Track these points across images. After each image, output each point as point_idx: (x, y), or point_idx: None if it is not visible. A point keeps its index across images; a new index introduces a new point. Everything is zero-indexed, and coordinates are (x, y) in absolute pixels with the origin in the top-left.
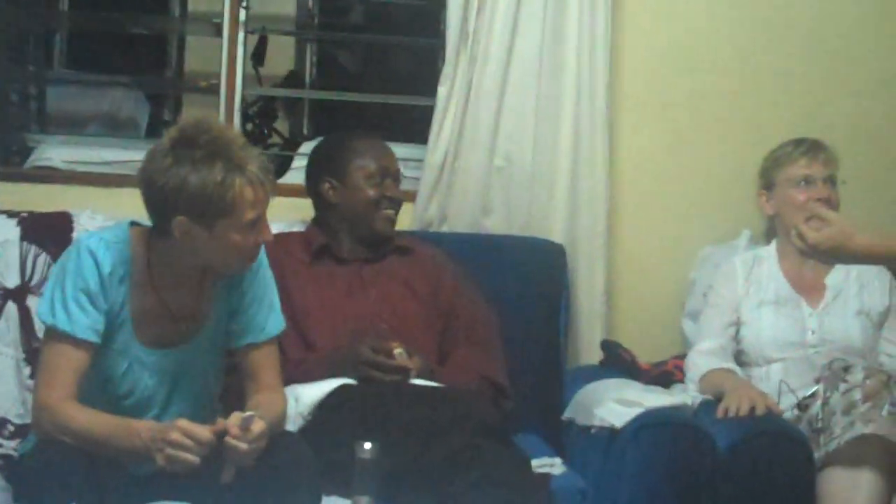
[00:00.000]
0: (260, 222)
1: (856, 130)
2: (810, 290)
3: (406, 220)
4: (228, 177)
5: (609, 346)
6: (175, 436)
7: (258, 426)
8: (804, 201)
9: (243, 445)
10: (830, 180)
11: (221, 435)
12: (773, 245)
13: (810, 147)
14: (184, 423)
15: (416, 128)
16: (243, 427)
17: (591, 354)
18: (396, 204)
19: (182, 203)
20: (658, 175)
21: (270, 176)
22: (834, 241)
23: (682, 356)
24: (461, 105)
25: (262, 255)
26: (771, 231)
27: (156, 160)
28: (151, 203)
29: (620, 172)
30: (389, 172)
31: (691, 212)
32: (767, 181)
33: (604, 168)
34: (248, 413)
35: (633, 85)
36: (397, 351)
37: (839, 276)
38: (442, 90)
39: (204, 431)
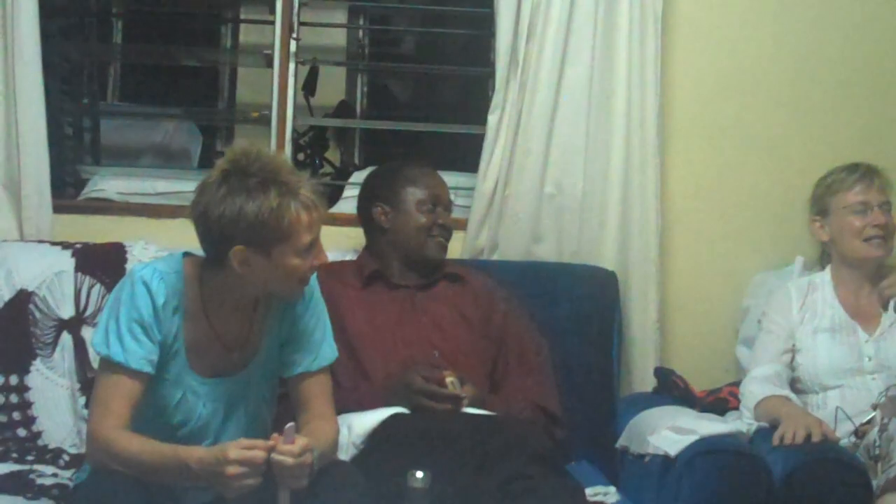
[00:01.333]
0: (315, 245)
1: None
2: (866, 316)
3: (457, 248)
4: (283, 202)
5: (662, 374)
6: (233, 454)
7: (302, 441)
8: (861, 228)
9: (289, 459)
10: (886, 206)
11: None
12: (828, 271)
13: (865, 173)
14: (234, 451)
15: (467, 156)
16: (287, 440)
17: (644, 382)
18: (447, 231)
19: (240, 232)
20: (710, 201)
21: (322, 199)
22: None
23: (737, 383)
24: (511, 133)
25: (314, 284)
26: (825, 257)
27: (209, 192)
28: (208, 235)
29: (672, 199)
30: (441, 201)
31: (744, 238)
32: (821, 208)
33: (655, 194)
34: (288, 424)
35: (684, 111)
36: (449, 379)
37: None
38: (492, 118)
39: (257, 452)
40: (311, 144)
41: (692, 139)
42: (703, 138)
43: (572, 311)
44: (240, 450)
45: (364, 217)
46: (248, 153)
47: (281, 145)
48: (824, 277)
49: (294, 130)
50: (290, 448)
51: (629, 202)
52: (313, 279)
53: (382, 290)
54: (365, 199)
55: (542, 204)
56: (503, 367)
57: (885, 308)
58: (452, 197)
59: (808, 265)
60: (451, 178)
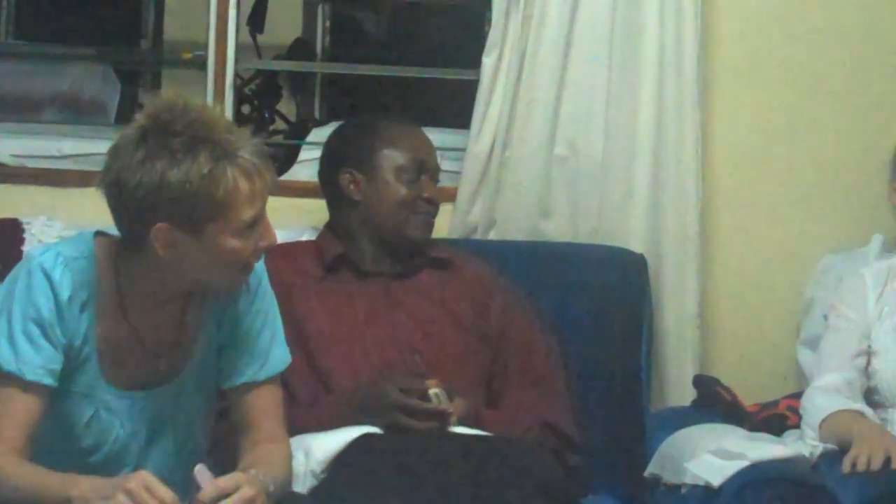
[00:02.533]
0: (260, 222)
1: None
2: None
3: (444, 225)
4: (217, 167)
5: (704, 383)
6: (133, 485)
7: (221, 483)
8: None
9: None
10: None
11: None
12: None
13: None
14: (147, 475)
15: (456, 109)
16: (199, 483)
17: (680, 393)
18: (434, 206)
19: (162, 206)
20: (764, 165)
21: (268, 162)
22: None
23: (798, 394)
24: (512, 79)
25: (261, 272)
26: None
27: (124, 155)
28: (122, 210)
29: (716, 162)
30: (427, 166)
31: (807, 212)
32: None
33: (694, 158)
34: (197, 466)
35: (731, 55)
36: (433, 391)
37: None
38: (488, 61)
39: (168, 493)
40: (258, 94)
41: (741, 86)
42: (754, 85)
43: (590, 305)
44: (139, 486)
45: (327, 186)
46: (172, 106)
47: (220, 95)
48: None
49: (237, 76)
50: (202, 497)
51: (662, 167)
52: (260, 266)
53: (349, 280)
54: (328, 164)
55: (551, 169)
56: (502, 376)
57: None
58: (440, 161)
59: (889, 245)
60: (436, 137)
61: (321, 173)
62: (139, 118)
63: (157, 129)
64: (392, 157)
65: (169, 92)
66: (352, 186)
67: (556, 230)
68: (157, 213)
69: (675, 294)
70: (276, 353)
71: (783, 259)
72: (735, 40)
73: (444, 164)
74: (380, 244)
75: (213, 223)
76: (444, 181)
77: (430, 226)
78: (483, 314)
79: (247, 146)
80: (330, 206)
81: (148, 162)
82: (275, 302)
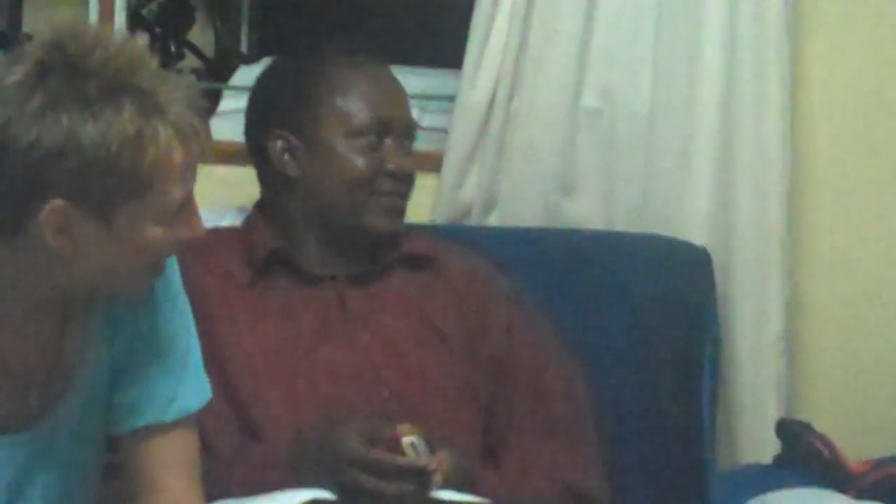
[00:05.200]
0: (189, 204)
1: None
2: None
3: (424, 206)
4: (147, 126)
5: (791, 431)
6: None
7: None
8: None
9: None
10: None
11: None
12: None
13: None
14: None
15: (443, 41)
16: None
17: (759, 445)
18: (406, 182)
19: (62, 177)
20: (872, 135)
21: (204, 120)
22: None
23: None
24: (524, 0)
25: (172, 272)
26: None
27: (12, 102)
28: (4, 179)
29: (811, 128)
30: (392, 127)
31: None
32: None
33: (781, 117)
34: None
35: None
36: (408, 440)
37: None
38: None
39: None
40: (162, 19)
41: (848, 30)
42: (865, 28)
43: (631, 319)
44: None
45: (254, 155)
46: (79, 34)
47: (107, 17)
48: None
49: None
50: None
51: (735, 127)
52: (170, 265)
53: (288, 285)
54: (256, 122)
55: (577, 127)
56: (506, 419)
57: None
58: (417, 115)
59: None
60: (412, 81)
61: (247, 136)
62: (33, 49)
63: (61, 65)
64: (342, 113)
65: (50, 15)
66: (286, 156)
67: (583, 213)
68: (52, 185)
69: (751, 306)
70: (189, 387)
71: None
72: None
73: (425, 120)
74: (329, 237)
75: (129, 203)
76: (425, 144)
77: (401, 211)
78: (479, 331)
79: (180, 97)
80: (261, 181)
81: (50, 112)
82: (190, 316)
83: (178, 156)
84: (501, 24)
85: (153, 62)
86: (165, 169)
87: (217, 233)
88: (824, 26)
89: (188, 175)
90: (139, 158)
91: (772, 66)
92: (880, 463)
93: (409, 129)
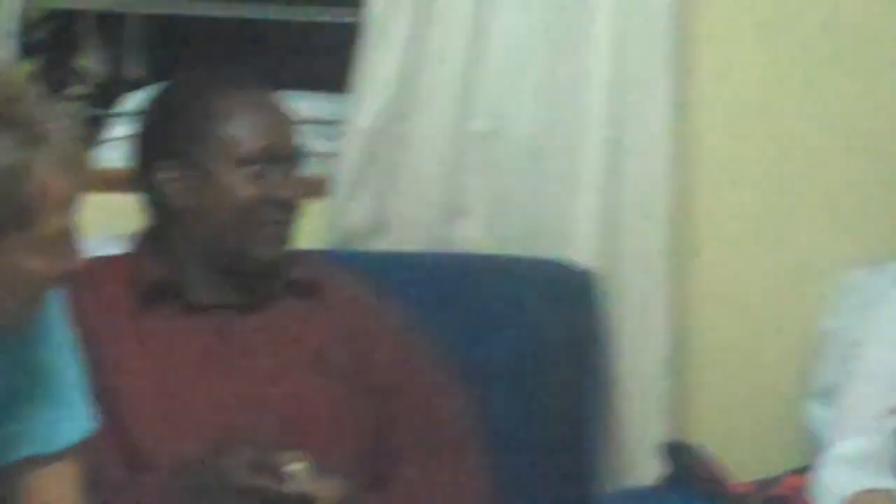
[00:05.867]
0: (69, 235)
1: None
2: None
3: (312, 230)
4: (24, 157)
5: (677, 453)
6: None
7: None
8: None
9: None
10: None
11: None
12: None
13: None
14: None
15: (332, 65)
16: None
17: (645, 466)
18: (293, 210)
19: None
20: (764, 150)
21: (84, 148)
22: None
23: (807, 468)
24: (411, 24)
25: (56, 304)
26: None
27: None
28: None
29: (696, 149)
30: (281, 153)
31: (823, 215)
32: None
33: (666, 140)
34: None
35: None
36: (294, 467)
37: None
38: None
39: None
40: (50, 45)
41: (734, 45)
42: (755, 44)
43: (518, 343)
44: None
45: (141, 183)
46: None
47: None
48: None
49: (19, 20)
50: None
51: (621, 149)
52: (53, 295)
53: (174, 315)
54: (142, 150)
55: (465, 150)
56: (394, 444)
57: None
58: (305, 140)
59: None
60: (302, 106)
61: (132, 164)
62: None
63: None
64: (228, 142)
65: None
66: (172, 186)
67: (472, 237)
68: None
69: (637, 328)
70: (73, 418)
71: (789, 279)
72: None
73: (315, 144)
74: (215, 266)
75: (8, 235)
76: (314, 169)
77: (287, 239)
78: (366, 358)
79: (61, 127)
80: (147, 209)
81: None
82: (74, 346)
83: (58, 187)
84: (390, 46)
85: (35, 91)
86: (45, 200)
87: (104, 262)
88: (711, 48)
89: (68, 206)
90: (18, 190)
91: (658, 89)
92: (763, 484)
93: (296, 156)
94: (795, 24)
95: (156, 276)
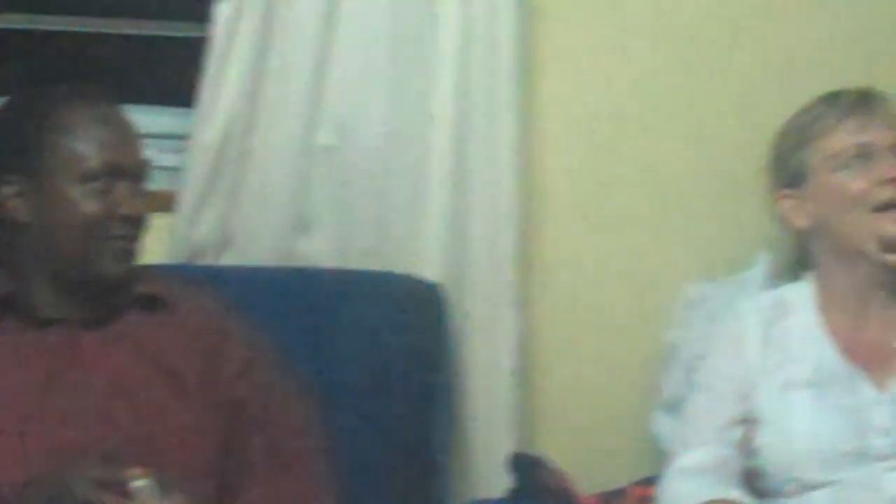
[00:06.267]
0: None
1: None
2: (876, 358)
3: (159, 245)
4: None
5: (524, 465)
6: None
7: None
8: (866, 189)
9: None
10: None
11: None
12: (809, 280)
13: (857, 101)
14: None
15: (177, 80)
16: None
17: (493, 478)
18: (138, 225)
19: None
20: (608, 165)
21: None
22: None
23: (654, 479)
24: (257, 39)
25: None
26: (803, 259)
27: None
28: None
29: (541, 161)
30: (125, 169)
31: (668, 227)
32: (791, 173)
33: (511, 151)
34: None
35: (564, 14)
36: (138, 483)
37: None
38: (222, 12)
39: None
40: None
41: (581, 50)
42: (598, 49)
43: (365, 356)
44: None
45: None
46: None
47: None
48: (802, 293)
49: None
50: None
51: (467, 163)
52: None
53: (18, 330)
54: None
55: (311, 164)
56: (241, 459)
57: None
58: (151, 155)
59: (777, 272)
60: (147, 120)
61: None
62: None
63: None
64: (72, 157)
65: None
66: (15, 201)
67: (319, 250)
68: None
69: (485, 341)
70: None
71: (635, 292)
72: None
73: (160, 159)
74: (61, 281)
75: None
76: (160, 183)
77: (132, 254)
78: (213, 372)
79: None
80: None
81: None
82: None
83: None
84: (235, 61)
85: None
86: None
87: None
88: (556, 62)
89: None
90: None
91: (504, 102)
92: (609, 495)
93: (141, 171)
94: (641, 36)
95: (1, 291)
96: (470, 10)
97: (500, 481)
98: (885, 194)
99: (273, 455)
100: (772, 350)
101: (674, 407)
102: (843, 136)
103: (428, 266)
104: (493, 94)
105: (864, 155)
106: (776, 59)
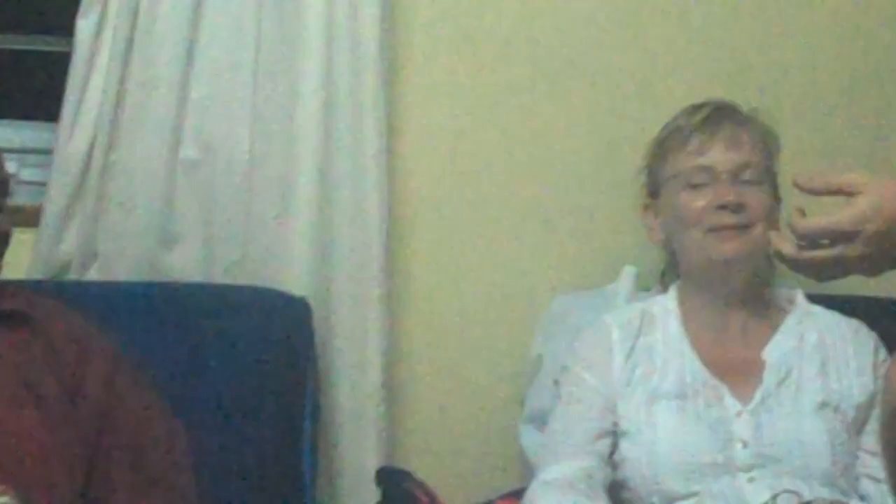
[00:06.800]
0: None
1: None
2: (739, 370)
3: (21, 261)
4: None
5: (391, 479)
6: None
7: None
8: (700, 210)
9: None
10: (751, 171)
11: None
12: (673, 294)
13: (707, 119)
14: None
15: (40, 94)
16: None
17: (360, 493)
18: (1, 241)
19: None
20: (473, 181)
21: None
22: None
23: (520, 491)
24: (121, 51)
25: None
26: (671, 269)
27: None
28: None
29: (408, 177)
30: None
31: (532, 242)
32: (651, 184)
33: (378, 166)
34: None
35: (430, 30)
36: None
37: (786, 345)
38: (84, 25)
39: None
40: None
41: (444, 66)
42: (462, 66)
43: (231, 372)
44: None
45: None
46: None
47: None
48: (667, 305)
49: None
50: None
51: (333, 176)
52: None
53: None
54: None
55: (176, 178)
56: (107, 476)
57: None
58: (14, 169)
59: (644, 281)
60: (9, 134)
61: None
62: None
63: None
64: None
65: None
66: None
67: (185, 265)
68: None
69: (351, 356)
70: None
71: (501, 305)
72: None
73: (23, 174)
74: None
75: None
76: (23, 198)
77: None
78: (77, 390)
79: None
80: None
81: None
82: None
83: None
84: (99, 75)
85: None
86: None
87: None
88: (420, 78)
89: None
90: None
91: (368, 117)
92: None
93: (4, 186)
94: (505, 50)
95: None
96: (334, 26)
97: (368, 495)
98: (716, 218)
99: (139, 471)
100: (637, 363)
101: (540, 420)
102: (687, 157)
103: (294, 280)
104: (356, 111)
105: (704, 176)
106: (638, 72)
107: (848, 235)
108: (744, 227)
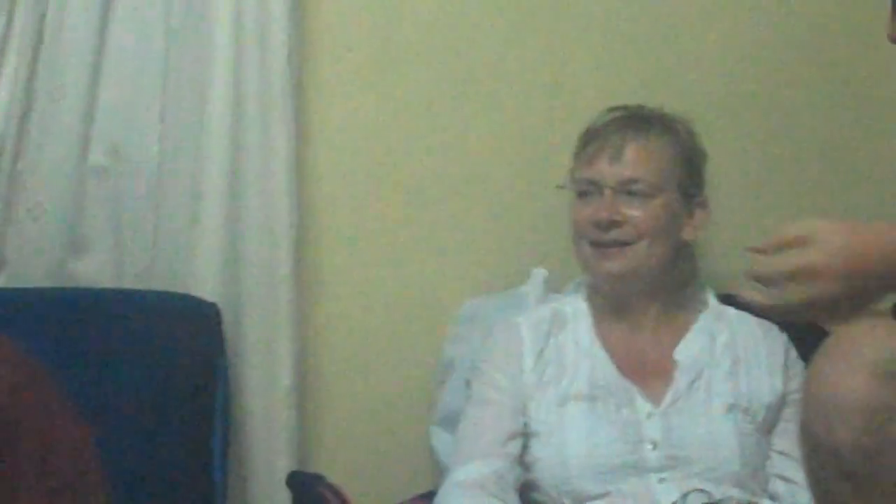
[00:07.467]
0: None
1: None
2: (650, 371)
3: None
4: None
5: (302, 483)
6: None
7: None
8: (583, 222)
9: None
10: (641, 186)
11: None
12: (584, 293)
13: (612, 123)
14: None
15: None
16: None
17: (271, 498)
18: None
19: None
20: (384, 183)
21: None
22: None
23: (431, 493)
24: (27, 56)
25: None
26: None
27: None
28: None
29: (318, 180)
30: None
31: (442, 244)
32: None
33: (288, 170)
34: None
35: (342, 32)
36: None
37: (698, 345)
38: None
39: None
40: None
41: (354, 65)
42: (372, 64)
43: (143, 377)
44: None
45: None
46: None
47: None
48: (578, 306)
49: None
50: None
51: (242, 181)
52: None
53: None
54: None
55: (85, 185)
56: (13, 481)
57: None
58: None
59: (555, 283)
60: None
61: None
62: None
63: None
64: None
65: None
66: None
67: (94, 272)
68: None
69: (262, 360)
70: None
71: (411, 308)
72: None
73: None
74: None
75: None
76: None
77: None
78: None
79: None
80: None
81: None
82: None
83: None
84: (5, 82)
85: None
86: None
87: None
88: (329, 81)
89: None
90: None
91: (277, 122)
92: None
93: None
94: (415, 54)
95: None
96: (243, 31)
97: (279, 500)
98: (595, 234)
99: (46, 476)
100: (547, 363)
101: (451, 422)
102: (579, 165)
103: (204, 285)
104: (266, 116)
105: (591, 188)
106: (549, 75)
107: (807, 272)
108: (624, 245)
